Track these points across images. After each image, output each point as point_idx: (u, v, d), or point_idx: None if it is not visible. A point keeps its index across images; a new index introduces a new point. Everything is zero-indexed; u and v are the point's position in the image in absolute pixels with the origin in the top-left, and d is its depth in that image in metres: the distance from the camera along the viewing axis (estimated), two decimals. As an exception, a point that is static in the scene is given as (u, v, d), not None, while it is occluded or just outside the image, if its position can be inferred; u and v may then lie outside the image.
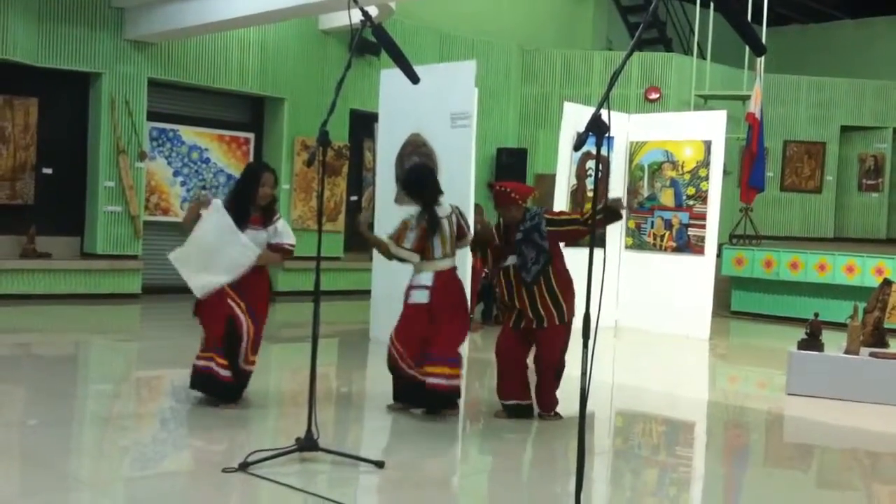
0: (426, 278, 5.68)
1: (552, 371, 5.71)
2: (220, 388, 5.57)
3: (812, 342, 7.07)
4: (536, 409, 5.76)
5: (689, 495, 4.75)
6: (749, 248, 12.83)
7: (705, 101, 14.24)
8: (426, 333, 5.59)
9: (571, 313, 5.64)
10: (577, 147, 3.61)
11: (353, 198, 13.28)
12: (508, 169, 14.07)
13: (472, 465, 5.08)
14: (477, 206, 10.03)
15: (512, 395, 5.76)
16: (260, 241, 5.63)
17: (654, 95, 14.27)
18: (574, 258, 5.64)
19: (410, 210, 5.80)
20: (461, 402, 5.84)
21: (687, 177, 10.74)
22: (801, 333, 7.27)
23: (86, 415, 5.77)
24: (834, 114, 15.67)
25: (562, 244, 5.72)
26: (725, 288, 12.55)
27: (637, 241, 11.05)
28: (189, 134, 12.03)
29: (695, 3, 14.81)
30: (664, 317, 10.50)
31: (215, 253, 5.44)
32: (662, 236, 10.87)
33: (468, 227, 5.99)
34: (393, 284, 8.59)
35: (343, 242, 12.92)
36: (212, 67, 11.81)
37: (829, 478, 5.30)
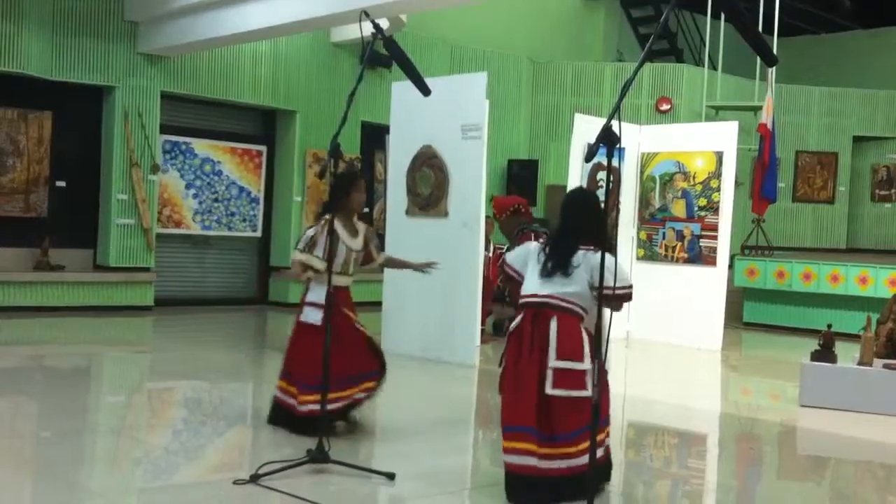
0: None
1: None
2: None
3: (825, 353, 7.04)
4: None
5: (701, 507, 4.73)
6: (761, 258, 12.78)
7: (717, 112, 14.22)
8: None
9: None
10: (588, 158, 3.62)
11: (366, 209, 13.29)
12: (519, 180, 14.09)
13: (483, 477, 5.06)
14: (488, 219, 10.04)
15: None
16: None
17: (665, 106, 14.26)
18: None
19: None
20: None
21: (699, 188, 10.72)
22: (814, 345, 7.23)
23: (98, 426, 5.78)
24: (846, 124, 15.61)
25: None
26: (737, 299, 12.50)
27: (649, 253, 11.02)
28: (202, 147, 12.08)
29: (705, 14, 14.81)
30: (676, 328, 10.46)
31: None
32: (674, 247, 10.84)
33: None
34: (404, 296, 8.66)
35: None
36: (224, 80, 11.87)
37: (843, 490, 5.26)
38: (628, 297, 4.23)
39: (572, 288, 4.19)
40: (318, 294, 5.18)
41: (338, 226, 5.26)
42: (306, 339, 5.22)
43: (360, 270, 5.62)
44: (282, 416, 5.34)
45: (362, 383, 5.30)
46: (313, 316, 5.18)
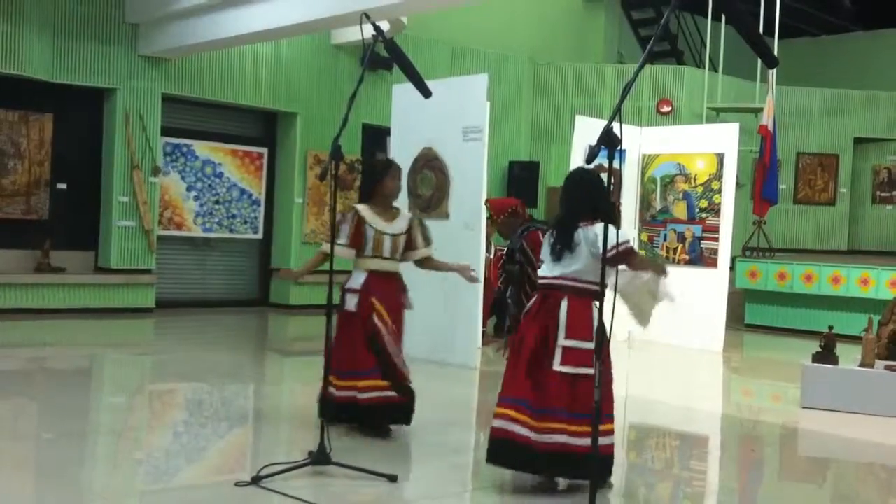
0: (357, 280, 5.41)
1: None
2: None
3: (826, 355, 7.04)
4: None
5: (703, 509, 4.73)
6: (763, 260, 12.78)
7: (717, 114, 14.22)
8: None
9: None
10: (588, 160, 3.61)
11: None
12: (520, 182, 14.08)
13: (484, 479, 5.06)
14: (487, 221, 10.04)
15: None
16: None
17: (666, 108, 14.26)
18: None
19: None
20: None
21: (699, 189, 10.72)
22: (815, 346, 7.24)
23: (100, 428, 5.78)
24: (847, 125, 15.61)
25: None
26: (739, 301, 12.50)
27: (650, 254, 11.01)
28: (203, 149, 12.08)
29: (706, 16, 14.81)
30: (677, 330, 10.44)
31: None
32: (675, 249, 10.84)
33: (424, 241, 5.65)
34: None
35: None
36: (225, 82, 11.87)
37: (844, 492, 5.26)
38: (631, 252, 4.41)
39: (577, 265, 4.35)
40: (353, 281, 5.40)
41: (368, 212, 5.41)
42: (341, 326, 5.31)
43: (404, 259, 5.56)
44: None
45: (361, 379, 5.23)
46: (348, 302, 5.32)
